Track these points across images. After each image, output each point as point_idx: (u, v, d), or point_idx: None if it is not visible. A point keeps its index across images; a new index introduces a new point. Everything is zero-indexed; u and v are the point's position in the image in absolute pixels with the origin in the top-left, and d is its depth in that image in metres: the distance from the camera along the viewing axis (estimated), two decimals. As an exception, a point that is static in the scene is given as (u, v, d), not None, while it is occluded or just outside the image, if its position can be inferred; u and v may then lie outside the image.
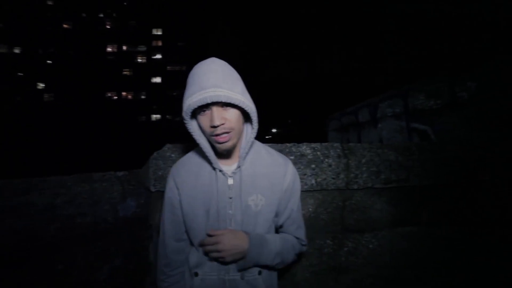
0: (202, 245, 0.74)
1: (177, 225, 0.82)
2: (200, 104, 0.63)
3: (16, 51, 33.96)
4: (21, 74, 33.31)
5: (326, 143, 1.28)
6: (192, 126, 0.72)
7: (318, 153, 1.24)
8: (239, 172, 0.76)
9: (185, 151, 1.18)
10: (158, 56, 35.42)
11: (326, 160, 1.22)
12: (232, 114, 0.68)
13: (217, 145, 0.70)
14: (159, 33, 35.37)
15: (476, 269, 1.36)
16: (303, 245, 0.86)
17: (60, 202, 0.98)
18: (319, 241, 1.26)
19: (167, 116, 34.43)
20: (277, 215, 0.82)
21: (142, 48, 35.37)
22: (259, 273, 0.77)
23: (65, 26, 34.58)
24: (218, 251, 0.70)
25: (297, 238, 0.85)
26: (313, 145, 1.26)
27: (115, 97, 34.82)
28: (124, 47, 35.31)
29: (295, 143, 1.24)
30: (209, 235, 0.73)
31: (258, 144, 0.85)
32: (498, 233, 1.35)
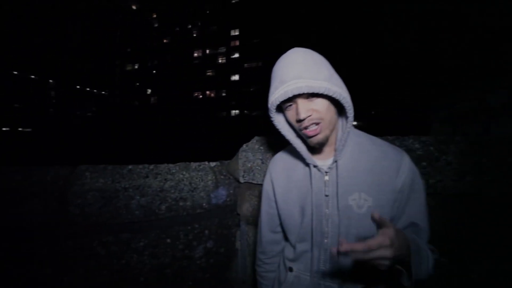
0: (354, 250, 0.47)
1: (273, 217, 0.81)
2: (282, 99, 0.60)
3: (136, 67, 44.38)
4: (138, 83, 43.39)
5: (443, 136, 1.00)
6: (279, 122, 0.68)
7: (431, 148, 0.98)
8: (335, 167, 0.67)
9: (273, 144, 1.17)
10: (236, 55, 38.20)
11: (444, 157, 0.96)
12: (320, 104, 0.61)
13: (308, 139, 0.65)
14: (236, 33, 37.99)
15: None
16: (435, 259, 0.62)
17: (168, 186, 1.15)
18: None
19: (245, 111, 36.92)
20: (392, 221, 0.67)
21: (222, 49, 38.98)
22: None
23: (164, 41, 42.22)
24: (383, 258, 0.47)
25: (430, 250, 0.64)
26: (423, 138, 1.01)
27: (201, 96, 40.08)
28: (207, 51, 39.90)
29: (399, 136, 1.02)
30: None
31: (361, 134, 0.73)
32: None
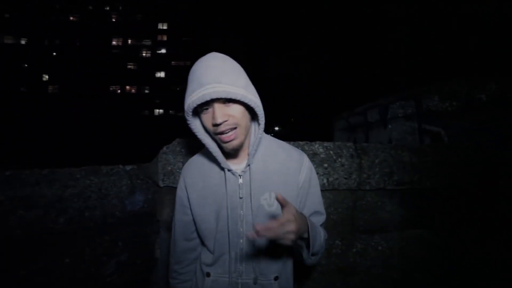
0: (267, 228, 0.54)
1: (188, 225, 0.79)
2: (199, 102, 0.59)
3: (22, 42, 34.09)
4: (26, 65, 33.45)
5: (339, 142, 1.25)
6: (196, 126, 0.68)
7: (331, 152, 1.21)
8: (248, 171, 0.72)
9: (195, 147, 1.16)
10: (163, 50, 35.34)
11: (339, 159, 1.20)
12: (236, 110, 0.63)
13: (223, 145, 0.66)
14: (165, 27, 35.26)
15: (489, 276, 1.34)
16: (325, 240, 0.78)
17: (69, 194, 0.97)
18: (328, 241, 1.24)
19: (170, 111, 34.46)
20: None
21: (147, 42, 35.31)
22: (275, 278, 0.74)
23: (71, 18, 34.61)
24: (289, 231, 0.56)
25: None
26: (326, 144, 1.23)
27: (119, 91, 34.89)
28: (129, 41, 35.28)
29: (308, 141, 1.21)
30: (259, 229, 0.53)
31: (269, 139, 0.80)
32: (512, 239, 1.32)
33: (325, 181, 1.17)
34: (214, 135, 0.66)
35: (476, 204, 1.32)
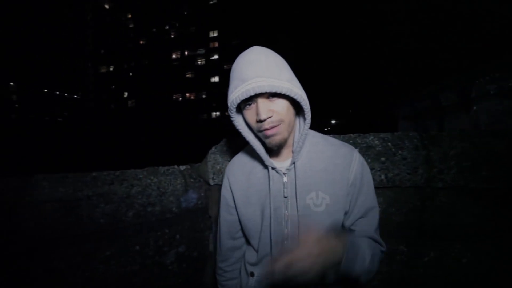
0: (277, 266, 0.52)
1: (233, 224, 0.79)
2: (243, 98, 0.57)
3: (111, 69, 42.27)
4: (114, 86, 41.38)
5: (399, 133, 1.07)
6: (239, 123, 0.67)
7: (389, 144, 1.04)
8: (293, 169, 0.68)
9: (241, 145, 1.18)
10: (215, 56, 37.85)
11: (400, 152, 1.02)
12: (280, 105, 0.60)
13: (266, 140, 0.63)
14: (215, 34, 37.67)
15: None
16: (382, 251, 0.68)
17: (135, 192, 1.12)
18: (389, 246, 1.07)
19: (226, 113, 36.65)
20: (346, 213, 0.70)
21: (201, 51, 38.44)
22: None
23: (141, 42, 40.72)
24: (303, 271, 0.50)
25: (376, 242, 0.68)
26: (382, 135, 1.07)
27: (180, 99, 39.16)
28: (186, 52, 39.12)
29: (360, 134, 1.08)
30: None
31: (315, 135, 0.75)
32: None
33: (383, 177, 1.02)
34: (257, 132, 0.64)
35: None
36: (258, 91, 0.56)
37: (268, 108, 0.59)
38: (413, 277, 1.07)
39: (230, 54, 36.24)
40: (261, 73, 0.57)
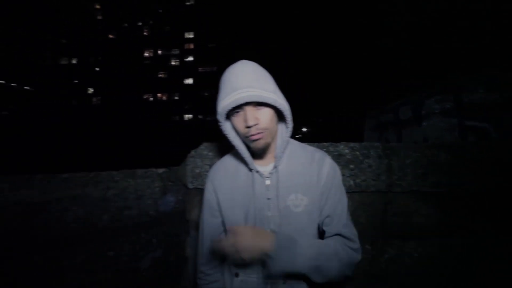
0: (219, 243, 0.67)
1: (216, 226, 0.82)
2: (234, 105, 0.64)
3: (74, 61, 38.75)
4: (76, 81, 37.90)
5: (365, 143, 1.20)
6: (227, 128, 0.72)
7: (357, 153, 1.17)
8: (276, 172, 0.74)
9: (221, 150, 1.21)
10: (190, 58, 37.10)
11: (366, 160, 1.15)
12: (265, 114, 0.67)
13: (252, 144, 0.70)
14: (191, 36, 37.01)
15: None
16: (353, 249, 0.73)
17: (111, 195, 1.08)
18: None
19: (199, 116, 35.89)
20: (321, 211, 0.76)
21: (176, 51, 37.40)
22: (305, 279, 0.73)
23: (110, 36, 38.23)
24: (236, 249, 0.63)
25: (344, 237, 0.73)
26: (351, 144, 1.19)
27: (151, 98, 37.42)
28: (159, 51, 37.73)
29: (333, 142, 1.19)
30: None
31: (293, 142, 0.83)
32: None
33: (351, 182, 1.14)
34: (244, 138, 0.70)
35: (531, 208, 1.17)
36: (248, 100, 0.63)
37: (255, 116, 0.66)
38: (376, 273, 1.19)
39: (206, 57, 35.86)
40: (251, 83, 0.64)
